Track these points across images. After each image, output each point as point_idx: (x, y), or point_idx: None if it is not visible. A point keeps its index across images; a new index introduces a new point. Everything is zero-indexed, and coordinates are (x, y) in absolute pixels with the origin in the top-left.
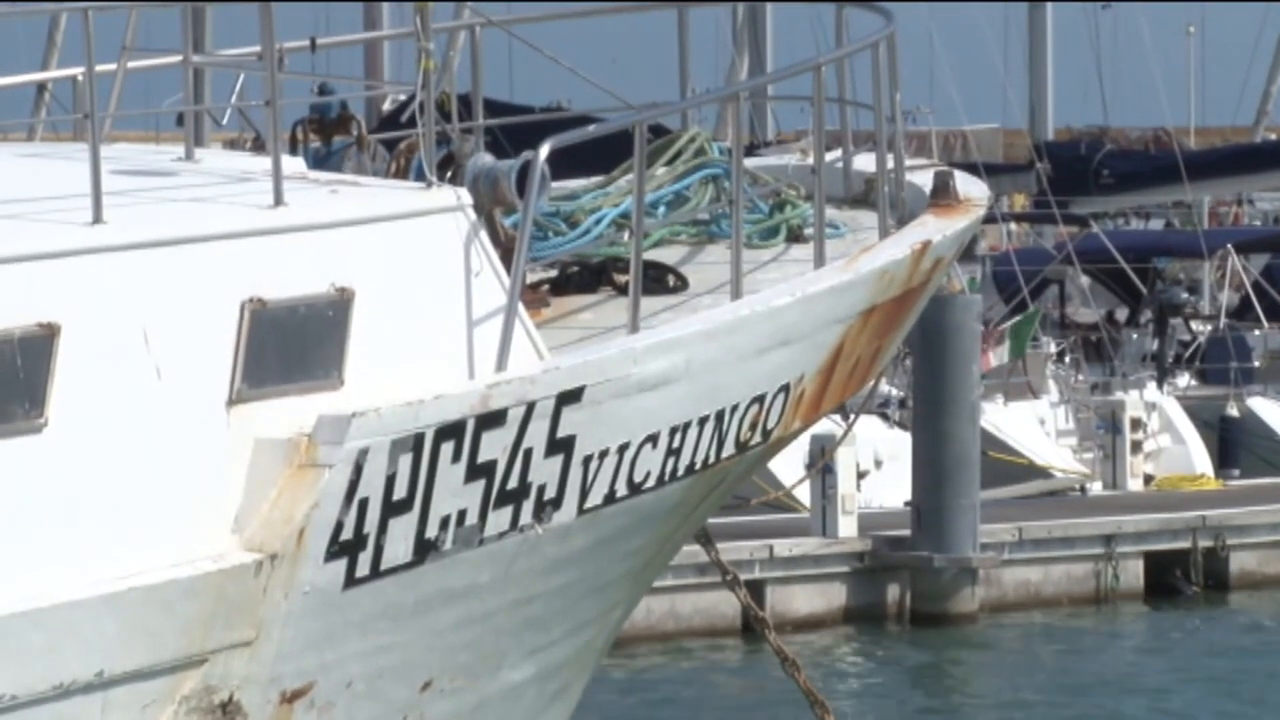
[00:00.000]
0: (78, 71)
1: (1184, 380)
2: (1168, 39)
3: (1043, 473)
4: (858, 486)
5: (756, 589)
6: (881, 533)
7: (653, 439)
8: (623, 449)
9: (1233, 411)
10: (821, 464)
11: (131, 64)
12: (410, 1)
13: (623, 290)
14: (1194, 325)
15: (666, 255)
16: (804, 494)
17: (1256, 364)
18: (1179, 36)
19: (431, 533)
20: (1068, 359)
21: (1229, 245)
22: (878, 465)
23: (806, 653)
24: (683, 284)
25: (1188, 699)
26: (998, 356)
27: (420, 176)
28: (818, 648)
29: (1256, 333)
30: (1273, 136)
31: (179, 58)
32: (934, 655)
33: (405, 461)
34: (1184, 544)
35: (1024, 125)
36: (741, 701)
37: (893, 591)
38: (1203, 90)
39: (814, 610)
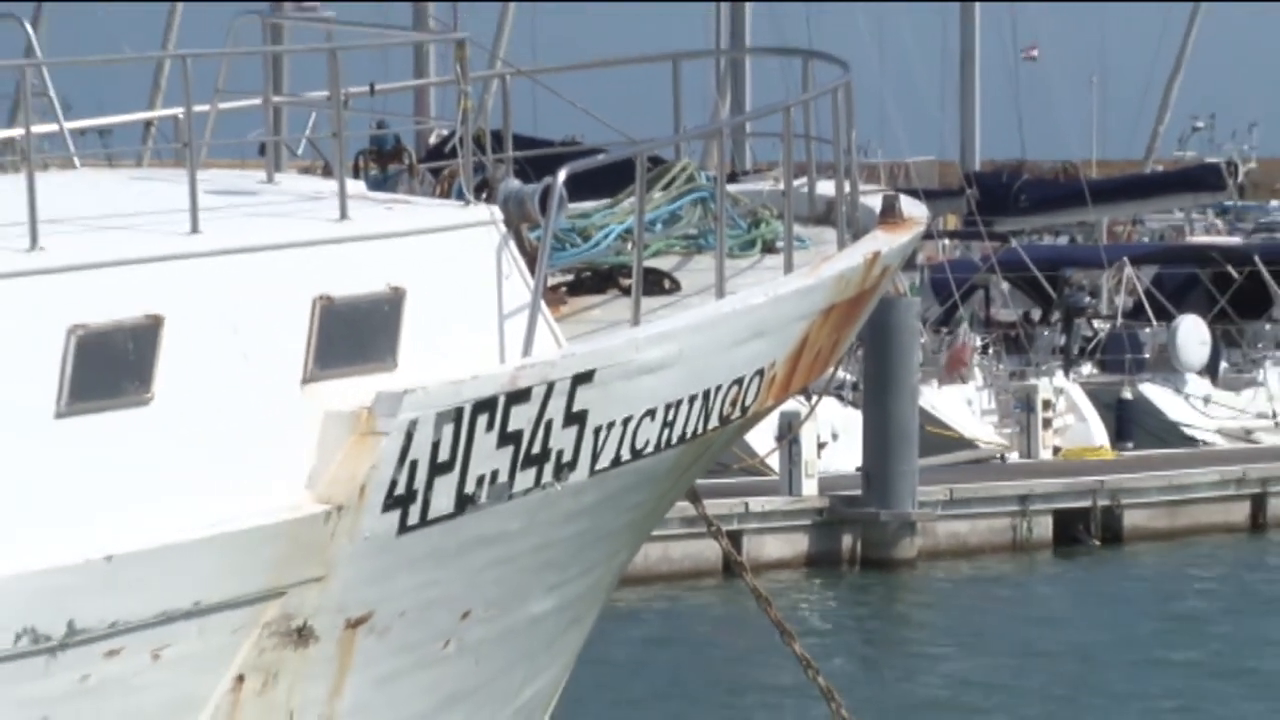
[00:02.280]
0: (178, 110)
1: (1087, 369)
2: (1075, 87)
3: (970, 444)
4: (818, 454)
5: (735, 538)
6: (837, 492)
7: (651, 413)
8: (626, 421)
9: (1127, 395)
10: (789, 436)
11: (222, 105)
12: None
13: (626, 291)
14: (1095, 324)
15: (663, 263)
16: (774, 461)
17: (1147, 356)
18: (1084, 85)
19: (469, 489)
20: (991, 351)
21: (1125, 258)
22: (834, 437)
23: (776, 590)
24: (676, 286)
25: (1086, 631)
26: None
27: (460, 197)
28: (785, 586)
29: (1147, 330)
30: (1160, 168)
31: (261, 99)
32: (880, 594)
33: (448, 430)
34: (1086, 503)
35: (955, 158)
36: (722, 631)
37: (846, 541)
38: (1103, 129)
39: (782, 556)
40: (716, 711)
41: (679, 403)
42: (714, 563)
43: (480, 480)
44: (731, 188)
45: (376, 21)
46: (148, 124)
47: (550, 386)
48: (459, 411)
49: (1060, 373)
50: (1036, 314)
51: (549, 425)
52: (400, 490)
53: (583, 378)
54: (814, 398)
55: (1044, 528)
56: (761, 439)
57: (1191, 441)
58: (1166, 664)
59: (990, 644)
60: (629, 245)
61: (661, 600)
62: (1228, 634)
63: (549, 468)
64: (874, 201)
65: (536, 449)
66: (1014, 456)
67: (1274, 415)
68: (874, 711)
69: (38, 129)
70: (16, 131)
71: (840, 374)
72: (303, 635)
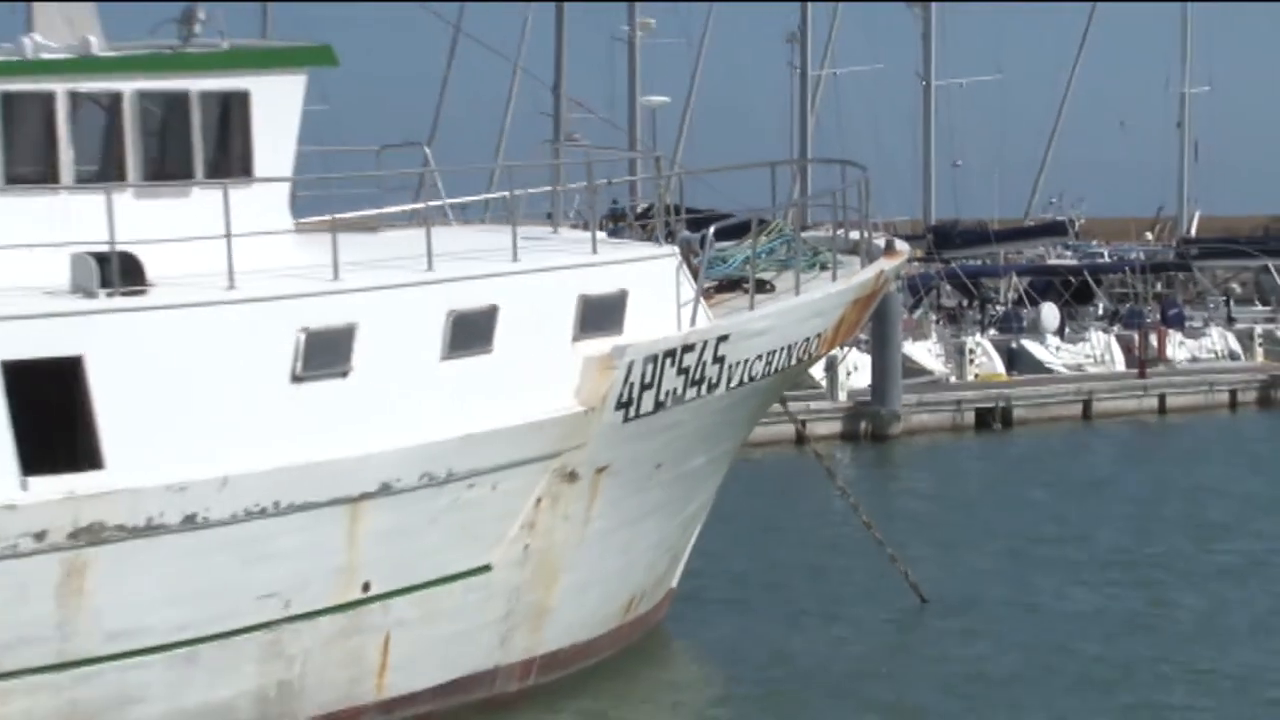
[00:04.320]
0: (506, 193)
1: (992, 332)
2: (984, 179)
3: (929, 372)
4: (847, 377)
5: (802, 423)
6: (859, 398)
7: (760, 356)
8: (746, 361)
9: (1014, 346)
10: (833, 368)
11: (530, 190)
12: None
13: (746, 292)
14: (998, 308)
15: (765, 276)
16: (824, 381)
17: (1025, 325)
18: (990, 178)
19: (661, 398)
20: (940, 322)
21: (1013, 272)
22: (855, 369)
23: (825, 451)
24: (772, 289)
25: (992, 478)
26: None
27: (656, 241)
28: (831, 449)
29: (1024, 311)
30: (1032, 223)
31: (550, 188)
32: (880, 453)
33: (650, 367)
34: (992, 404)
35: (920, 217)
36: (791, 470)
37: (863, 425)
38: (1002, 201)
39: (828, 433)
40: (791, 516)
41: (774, 351)
42: (790, 437)
43: (667, 393)
44: (804, 234)
45: (611, 145)
46: (487, 202)
47: (705, 343)
48: (656, 356)
49: (979, 334)
50: (966, 302)
51: (704, 363)
52: (624, 399)
53: (723, 338)
54: (846, 348)
55: (969, 418)
56: (818, 370)
57: (1049, 371)
58: (1033, 484)
59: (937, 477)
60: (747, 266)
61: (763, 458)
62: (1068, 470)
63: (704, 386)
64: (880, 241)
65: (697, 376)
66: (953, 379)
67: (1095, 358)
68: (880, 510)
69: (432, 204)
70: (419, 205)
71: (860, 336)
72: (572, 476)
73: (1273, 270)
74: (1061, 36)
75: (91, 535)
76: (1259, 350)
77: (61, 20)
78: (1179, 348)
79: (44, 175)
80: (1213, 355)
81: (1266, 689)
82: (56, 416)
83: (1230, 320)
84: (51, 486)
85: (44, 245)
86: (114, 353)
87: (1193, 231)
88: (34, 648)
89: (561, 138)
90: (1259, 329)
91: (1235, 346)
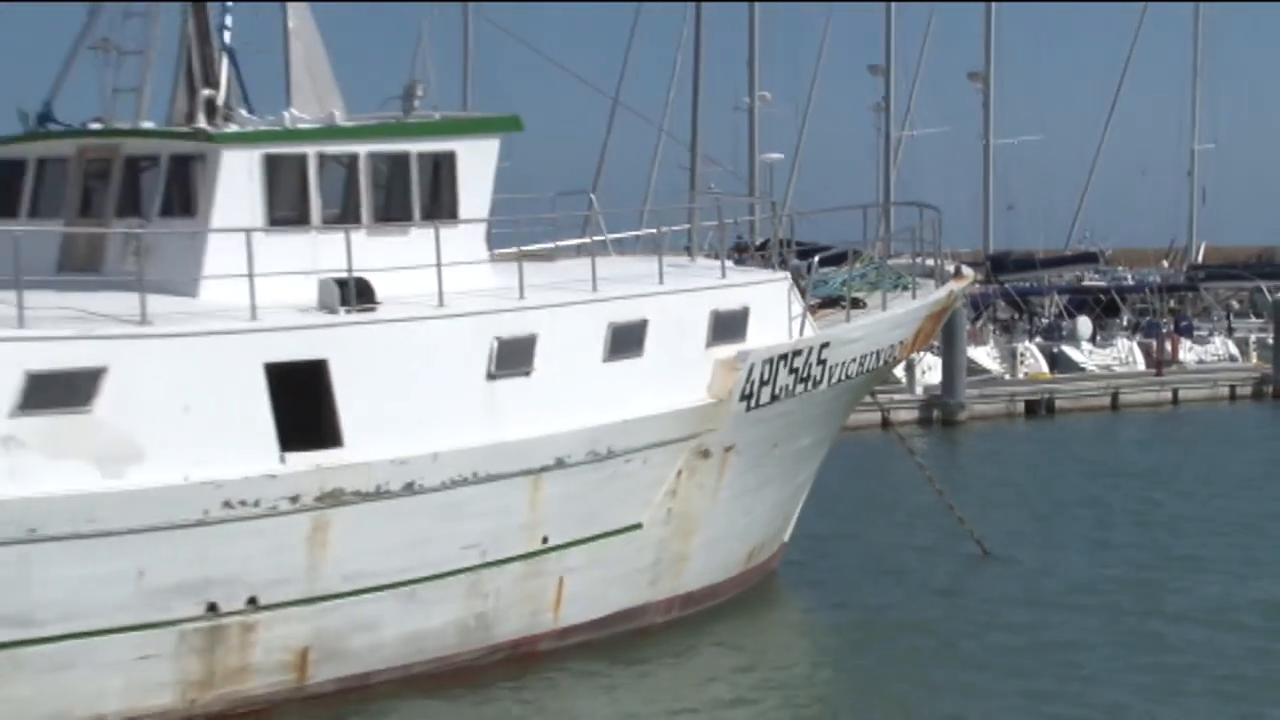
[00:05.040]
0: (654, 230)
1: (1038, 339)
2: (1034, 222)
3: (988, 371)
4: (923, 375)
5: (887, 410)
6: (932, 391)
7: (855, 359)
8: (843, 363)
9: (1055, 350)
10: (912, 368)
11: (673, 228)
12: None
13: (844, 308)
14: (1043, 320)
15: (859, 295)
16: (904, 377)
17: (1064, 334)
18: (1039, 221)
19: (776, 392)
20: (996, 331)
21: (1054, 291)
22: (929, 368)
23: (905, 433)
24: (865, 306)
25: (1037, 456)
26: (979, 336)
27: (772, 268)
28: (908, 432)
29: (1064, 322)
30: (1069, 252)
31: (689, 225)
32: (950, 436)
33: (768, 367)
34: (1038, 396)
35: (981, 248)
36: (878, 448)
37: (935, 413)
38: (1047, 235)
39: (907, 419)
40: (878, 485)
41: (866, 355)
42: (877, 422)
43: (781, 388)
44: (889, 262)
45: (736, 192)
46: (638, 237)
47: (811, 348)
48: (772, 359)
49: (1027, 340)
50: (1017, 316)
51: (810, 364)
52: (747, 393)
53: (825, 344)
54: (922, 353)
55: (1020, 408)
56: (899, 369)
57: (1084, 370)
58: (1071, 460)
59: (994, 454)
60: (845, 288)
61: (854, 438)
62: (1099, 449)
63: (809, 383)
64: (950, 268)
65: (805, 374)
66: (1007, 377)
67: (1121, 360)
68: (949, 480)
69: (596, 239)
70: (586, 240)
71: (933, 343)
72: (706, 454)
73: (1264, 290)
74: (1094, 102)
75: (333, 499)
76: (1253, 354)
77: (313, 97)
78: (1189, 352)
79: (298, 218)
80: (1216, 358)
81: (1243, 612)
82: (307, 406)
83: (1230, 330)
84: (303, 460)
85: (298, 273)
86: (351, 356)
87: (1200, 259)
88: (289, 586)
89: (696, 186)
90: (1253, 337)
91: (1234, 351)
